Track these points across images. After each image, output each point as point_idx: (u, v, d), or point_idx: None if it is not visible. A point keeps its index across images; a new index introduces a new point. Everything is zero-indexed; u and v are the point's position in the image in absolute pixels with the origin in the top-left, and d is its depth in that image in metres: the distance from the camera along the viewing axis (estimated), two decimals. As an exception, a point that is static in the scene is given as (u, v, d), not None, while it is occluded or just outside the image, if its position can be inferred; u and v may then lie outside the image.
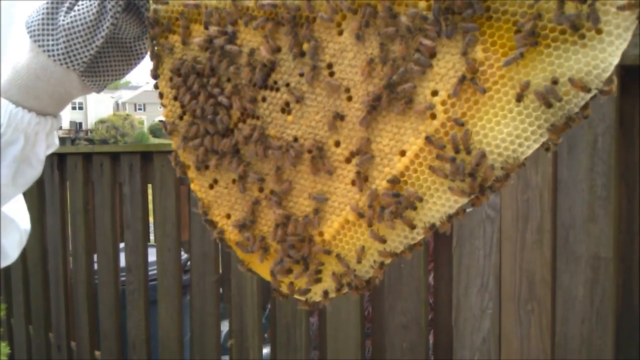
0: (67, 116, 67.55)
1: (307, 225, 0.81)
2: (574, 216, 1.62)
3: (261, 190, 0.84)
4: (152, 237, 3.20)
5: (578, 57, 0.62)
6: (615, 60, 0.60)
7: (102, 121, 64.07)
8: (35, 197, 3.51)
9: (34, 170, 0.94)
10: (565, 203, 1.63)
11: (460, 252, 1.86)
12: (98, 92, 0.94)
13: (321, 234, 0.81)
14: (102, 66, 0.90)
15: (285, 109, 0.80)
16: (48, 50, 0.85)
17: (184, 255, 3.15)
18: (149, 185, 2.96)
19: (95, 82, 0.90)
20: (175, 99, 0.87)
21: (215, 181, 0.88)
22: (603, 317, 1.59)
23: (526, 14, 0.63)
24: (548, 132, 0.64)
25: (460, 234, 1.85)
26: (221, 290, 3.18)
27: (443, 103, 0.69)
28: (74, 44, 0.85)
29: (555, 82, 0.63)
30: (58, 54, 0.85)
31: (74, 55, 0.85)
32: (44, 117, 0.90)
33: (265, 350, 2.64)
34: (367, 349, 2.52)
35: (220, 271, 3.24)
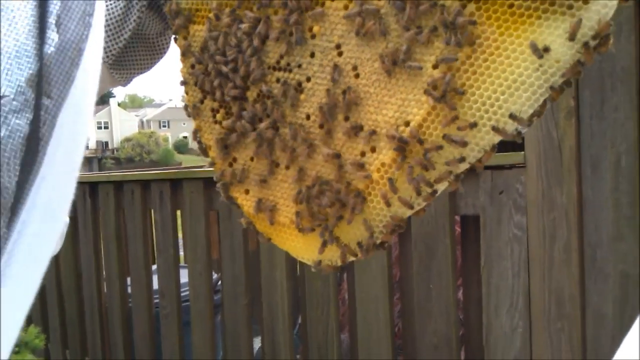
0: (93, 136, 68.43)
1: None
2: (601, 235, 1.63)
3: (277, 165, 0.88)
4: (181, 256, 3.25)
5: (566, 25, 0.66)
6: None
7: (127, 139, 64.92)
8: (69, 224, 3.58)
9: None
10: (591, 222, 1.64)
11: (488, 272, 1.88)
12: (124, 85, 0.98)
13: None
14: (129, 60, 0.96)
15: (298, 88, 0.85)
16: None
17: (215, 275, 3.20)
18: (178, 211, 3.02)
19: (122, 74, 0.96)
20: (196, 84, 0.92)
21: (234, 159, 0.92)
22: (634, 334, 1.60)
23: None
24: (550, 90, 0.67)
25: (488, 254, 1.87)
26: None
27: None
28: (105, 38, 0.89)
29: (546, 49, 0.66)
30: None
31: (105, 49, 0.90)
32: None
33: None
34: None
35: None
